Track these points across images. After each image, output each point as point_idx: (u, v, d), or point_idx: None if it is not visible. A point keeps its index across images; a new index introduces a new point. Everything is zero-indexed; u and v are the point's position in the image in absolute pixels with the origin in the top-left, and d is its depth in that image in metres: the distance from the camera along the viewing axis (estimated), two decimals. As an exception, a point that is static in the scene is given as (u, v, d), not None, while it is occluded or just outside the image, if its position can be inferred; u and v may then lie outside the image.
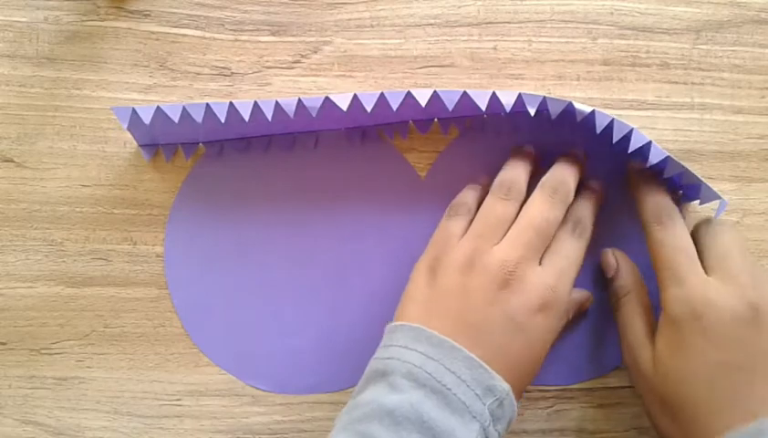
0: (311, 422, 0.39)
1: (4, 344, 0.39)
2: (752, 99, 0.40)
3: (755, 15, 0.41)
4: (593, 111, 0.34)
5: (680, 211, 0.35)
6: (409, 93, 0.34)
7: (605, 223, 0.39)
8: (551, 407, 0.39)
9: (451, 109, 0.35)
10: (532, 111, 0.35)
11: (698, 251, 0.33)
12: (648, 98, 0.40)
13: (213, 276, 0.39)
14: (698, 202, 0.37)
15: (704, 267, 0.32)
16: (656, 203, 0.34)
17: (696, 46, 0.40)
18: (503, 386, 0.29)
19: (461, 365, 0.29)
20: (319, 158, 0.39)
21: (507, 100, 0.35)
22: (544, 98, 0.34)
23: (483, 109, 0.35)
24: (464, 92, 0.34)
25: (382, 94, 0.35)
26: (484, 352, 0.29)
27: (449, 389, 0.28)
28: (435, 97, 0.34)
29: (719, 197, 0.36)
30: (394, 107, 0.35)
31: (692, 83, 0.40)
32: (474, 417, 0.28)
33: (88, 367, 0.39)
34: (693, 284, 0.31)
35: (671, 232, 0.33)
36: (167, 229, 0.39)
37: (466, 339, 0.30)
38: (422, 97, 0.34)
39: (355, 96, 0.35)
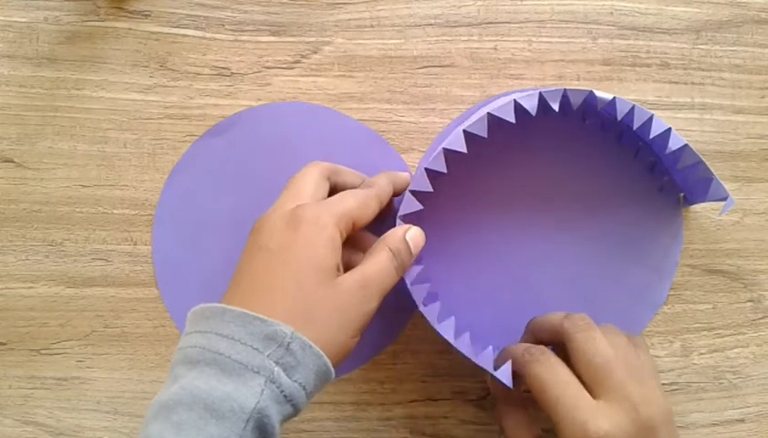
0: (311, 423, 0.39)
1: (4, 344, 0.39)
2: (753, 99, 0.40)
3: (755, 15, 0.41)
4: (614, 98, 0.34)
5: (682, 212, 0.34)
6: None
7: (600, 222, 0.39)
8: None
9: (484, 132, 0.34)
10: (555, 106, 0.34)
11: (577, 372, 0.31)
12: (648, 98, 0.40)
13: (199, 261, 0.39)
14: (698, 204, 0.37)
15: (589, 389, 0.30)
16: (520, 348, 0.33)
17: (696, 46, 0.40)
18: (284, 330, 0.27)
19: (233, 325, 0.28)
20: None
21: (531, 104, 0.34)
22: (565, 90, 0.34)
23: (513, 120, 0.34)
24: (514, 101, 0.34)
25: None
26: (280, 305, 0.29)
27: (221, 354, 0.27)
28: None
29: (727, 195, 0.36)
30: None
31: (692, 83, 0.40)
32: (257, 372, 0.27)
33: (89, 367, 0.39)
34: (584, 416, 0.29)
35: (548, 365, 0.31)
36: (155, 222, 0.39)
37: (262, 296, 0.29)
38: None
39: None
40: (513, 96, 0.34)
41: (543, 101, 0.34)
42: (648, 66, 0.40)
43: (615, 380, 0.30)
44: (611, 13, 0.40)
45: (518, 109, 0.34)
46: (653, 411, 0.29)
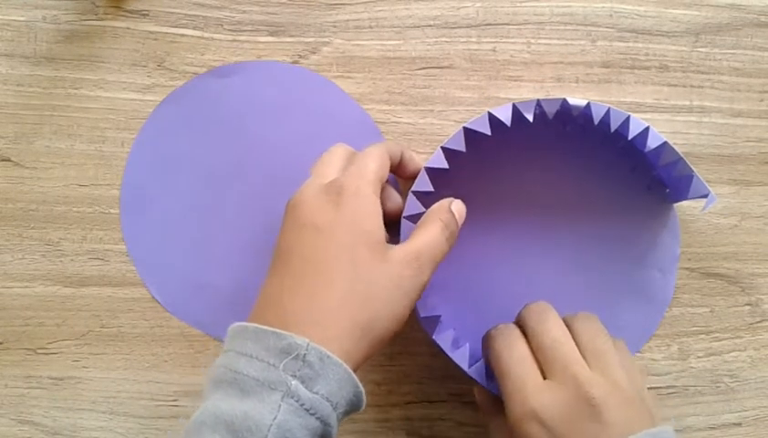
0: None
1: (0, 344, 0.39)
2: (751, 103, 0.40)
3: (755, 18, 0.40)
4: (588, 104, 0.34)
5: (674, 208, 0.35)
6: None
7: (596, 225, 0.39)
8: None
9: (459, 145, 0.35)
10: (529, 117, 0.34)
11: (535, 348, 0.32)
12: (646, 100, 0.40)
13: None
14: (684, 200, 0.38)
15: (541, 370, 0.31)
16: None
17: (695, 48, 0.40)
18: (299, 341, 0.27)
19: (251, 343, 0.27)
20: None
21: (505, 115, 0.34)
22: (538, 100, 0.34)
23: (489, 132, 0.34)
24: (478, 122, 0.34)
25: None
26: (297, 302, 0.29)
27: (240, 373, 0.27)
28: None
29: (708, 191, 0.36)
30: None
31: (691, 86, 0.40)
32: (274, 388, 0.26)
33: (85, 367, 0.39)
34: (528, 391, 0.30)
35: (508, 340, 0.32)
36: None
37: (317, 276, 0.29)
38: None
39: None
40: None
41: (517, 112, 0.34)
42: (647, 68, 0.40)
43: (561, 362, 0.30)
44: (610, 15, 0.40)
45: (493, 120, 0.34)
46: (599, 391, 0.29)
